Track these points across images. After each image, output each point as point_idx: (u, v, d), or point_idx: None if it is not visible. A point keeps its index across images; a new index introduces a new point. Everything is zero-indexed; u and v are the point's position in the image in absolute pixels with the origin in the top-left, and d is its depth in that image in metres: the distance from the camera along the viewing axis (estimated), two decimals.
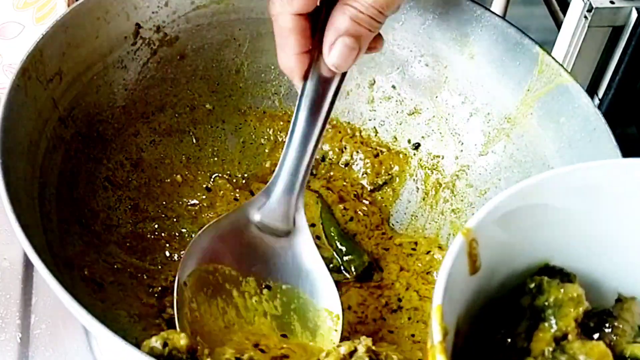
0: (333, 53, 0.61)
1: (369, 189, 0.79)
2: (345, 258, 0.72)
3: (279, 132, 0.81)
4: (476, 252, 0.49)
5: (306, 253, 0.67)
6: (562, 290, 0.51)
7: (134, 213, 0.73)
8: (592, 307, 0.52)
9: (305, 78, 0.64)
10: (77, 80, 0.69)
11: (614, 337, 0.51)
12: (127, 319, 0.64)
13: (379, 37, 0.64)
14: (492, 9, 0.88)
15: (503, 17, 0.76)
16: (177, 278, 0.63)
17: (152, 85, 0.76)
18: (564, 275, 0.53)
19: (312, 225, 0.75)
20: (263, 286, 0.66)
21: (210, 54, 0.78)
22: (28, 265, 0.71)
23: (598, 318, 0.52)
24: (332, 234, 0.74)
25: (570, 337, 0.49)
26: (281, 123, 0.81)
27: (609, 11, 0.82)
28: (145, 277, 0.68)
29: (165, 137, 0.77)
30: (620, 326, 0.52)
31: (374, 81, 0.80)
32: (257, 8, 0.77)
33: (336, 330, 0.64)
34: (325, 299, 0.66)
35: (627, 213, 0.53)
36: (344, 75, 0.64)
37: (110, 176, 0.73)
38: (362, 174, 0.80)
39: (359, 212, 0.76)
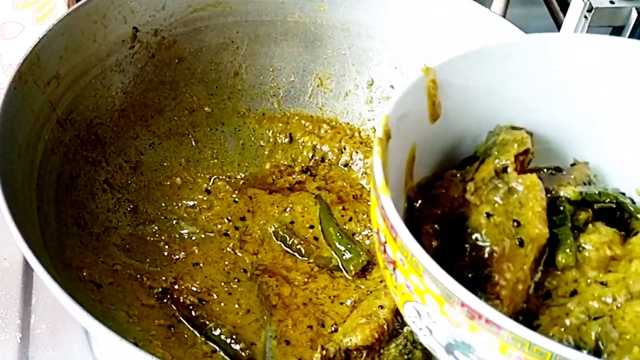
0: None
1: (368, 189, 0.79)
2: (344, 257, 0.73)
3: (278, 134, 0.81)
4: (435, 94, 0.52)
5: None
6: (510, 134, 0.55)
7: (134, 215, 0.73)
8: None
9: None
10: (75, 84, 0.70)
11: (557, 187, 0.55)
12: (126, 319, 0.65)
13: None
14: (492, 9, 0.89)
15: (503, 17, 0.76)
16: None
17: (151, 88, 0.76)
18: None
19: (310, 227, 0.75)
20: None
21: (209, 57, 0.79)
22: (28, 266, 0.71)
23: (549, 172, 0.57)
24: (331, 234, 0.74)
25: (509, 170, 0.53)
26: (280, 125, 0.81)
27: (609, 11, 0.82)
28: (145, 278, 0.68)
29: (164, 140, 0.78)
30: (565, 179, 0.56)
31: (372, 81, 0.80)
32: (254, 11, 0.78)
33: None
34: None
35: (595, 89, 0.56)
36: None
37: (110, 179, 0.73)
38: (362, 174, 0.80)
39: (359, 212, 0.76)
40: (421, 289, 0.44)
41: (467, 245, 0.50)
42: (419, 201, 0.54)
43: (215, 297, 0.68)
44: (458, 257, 0.50)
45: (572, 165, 0.59)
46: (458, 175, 0.55)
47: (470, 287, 0.44)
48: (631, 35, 0.82)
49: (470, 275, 0.49)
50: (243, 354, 0.64)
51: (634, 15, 0.82)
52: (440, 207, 0.53)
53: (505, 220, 0.50)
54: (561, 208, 0.54)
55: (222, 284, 0.69)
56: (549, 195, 0.54)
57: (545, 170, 0.58)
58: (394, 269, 0.47)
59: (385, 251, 0.47)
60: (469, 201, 0.52)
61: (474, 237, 0.50)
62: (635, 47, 0.55)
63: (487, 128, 0.57)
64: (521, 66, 0.55)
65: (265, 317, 0.68)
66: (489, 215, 0.50)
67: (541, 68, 0.56)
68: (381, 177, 0.46)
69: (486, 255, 0.49)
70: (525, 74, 0.56)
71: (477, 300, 0.41)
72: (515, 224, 0.50)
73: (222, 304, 0.67)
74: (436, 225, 0.52)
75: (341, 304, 0.70)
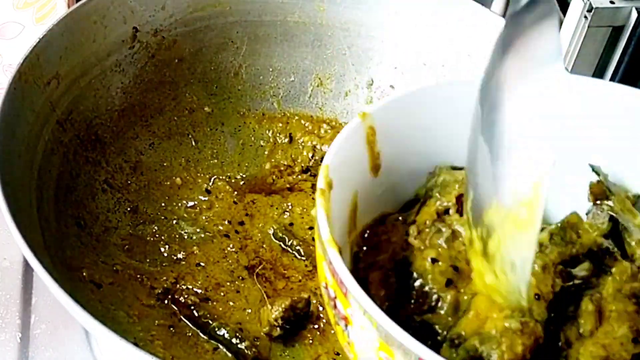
0: None
1: None
2: None
3: (277, 134, 0.81)
4: (374, 140, 0.51)
5: None
6: (450, 174, 0.54)
7: (134, 215, 0.73)
8: None
9: None
10: (75, 84, 0.70)
11: None
12: (126, 319, 0.65)
13: None
14: (492, 9, 0.89)
15: (503, 17, 0.76)
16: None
17: (151, 88, 0.76)
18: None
19: (310, 228, 0.75)
20: None
21: (208, 57, 0.79)
22: (28, 265, 0.71)
23: None
24: None
25: (451, 212, 0.51)
26: (280, 125, 0.81)
27: (609, 11, 0.82)
28: (145, 278, 0.68)
29: (164, 140, 0.78)
30: None
31: (372, 81, 0.80)
32: (254, 11, 0.78)
33: None
34: None
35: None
36: None
37: (110, 179, 0.73)
38: None
39: None
40: (377, 346, 0.43)
41: (413, 292, 0.49)
42: (364, 248, 0.52)
43: (222, 295, 0.68)
44: (405, 303, 0.48)
45: None
46: (400, 218, 0.54)
47: (419, 334, 0.43)
48: (631, 36, 0.82)
49: (418, 322, 0.48)
50: (248, 352, 0.64)
51: (634, 15, 0.82)
52: (383, 253, 0.51)
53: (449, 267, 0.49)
54: None
55: (228, 283, 0.69)
56: None
57: None
58: (346, 325, 0.45)
59: (335, 306, 0.46)
60: (412, 245, 0.51)
61: (419, 283, 0.49)
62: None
63: (428, 169, 0.55)
64: (460, 107, 0.53)
65: None
66: (434, 261, 0.49)
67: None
68: (327, 231, 0.45)
69: (433, 303, 0.48)
70: (464, 114, 0.52)
71: (434, 356, 0.40)
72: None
73: (229, 303, 0.67)
74: (381, 273, 0.50)
75: None
